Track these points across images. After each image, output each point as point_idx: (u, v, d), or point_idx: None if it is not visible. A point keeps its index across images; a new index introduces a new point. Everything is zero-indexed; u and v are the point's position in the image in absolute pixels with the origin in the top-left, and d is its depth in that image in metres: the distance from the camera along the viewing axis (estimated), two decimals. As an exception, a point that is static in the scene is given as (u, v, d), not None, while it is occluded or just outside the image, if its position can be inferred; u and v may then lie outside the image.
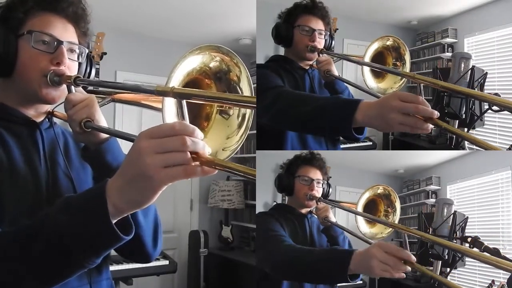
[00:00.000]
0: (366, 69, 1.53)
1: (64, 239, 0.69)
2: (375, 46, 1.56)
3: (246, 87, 0.79)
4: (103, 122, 0.95)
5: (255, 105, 0.71)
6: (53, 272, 0.74)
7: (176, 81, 0.73)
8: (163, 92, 0.70)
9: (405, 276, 1.08)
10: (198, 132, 0.66)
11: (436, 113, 0.93)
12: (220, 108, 0.81)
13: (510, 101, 0.91)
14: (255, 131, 1.52)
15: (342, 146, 1.86)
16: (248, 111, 0.80)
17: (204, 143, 0.66)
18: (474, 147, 3.41)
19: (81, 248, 0.70)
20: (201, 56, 0.76)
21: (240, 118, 0.81)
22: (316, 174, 1.71)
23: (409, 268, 1.06)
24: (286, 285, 1.51)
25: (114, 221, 0.69)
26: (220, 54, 0.77)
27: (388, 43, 1.57)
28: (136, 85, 0.81)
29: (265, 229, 1.56)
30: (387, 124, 0.97)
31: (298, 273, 1.33)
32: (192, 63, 0.76)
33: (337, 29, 3.61)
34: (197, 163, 0.65)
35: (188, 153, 0.64)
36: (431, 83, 1.07)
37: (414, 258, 1.04)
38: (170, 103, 0.72)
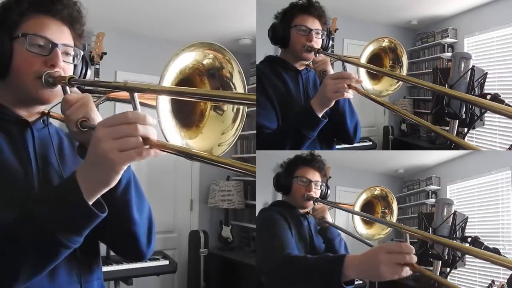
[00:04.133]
0: (362, 71, 1.51)
1: (48, 228, 0.79)
2: (370, 48, 1.53)
3: (239, 83, 0.82)
4: (99, 120, 0.95)
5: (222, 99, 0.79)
6: (43, 258, 0.82)
7: (169, 79, 0.74)
8: (118, 87, 0.81)
9: (411, 272, 1.09)
10: (149, 119, 0.76)
11: (415, 258, 1.06)
12: (214, 105, 0.83)
13: (504, 107, 0.90)
14: (255, 131, 1.52)
15: (341, 146, 1.85)
16: (241, 107, 0.83)
17: (154, 129, 0.76)
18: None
19: (64, 232, 0.79)
20: (193, 53, 0.77)
21: (234, 112, 0.83)
22: (315, 176, 1.70)
23: (415, 259, 1.07)
24: None
25: (90, 203, 0.80)
26: (212, 51, 0.79)
27: (384, 44, 1.55)
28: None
29: (269, 230, 1.54)
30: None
31: (292, 285, 1.33)
32: (185, 60, 0.77)
33: (337, 29, 3.61)
34: (147, 146, 0.75)
35: (140, 138, 0.74)
36: (426, 87, 1.08)
37: (413, 248, 1.07)
38: (164, 101, 0.76)
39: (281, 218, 1.58)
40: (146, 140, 0.75)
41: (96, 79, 3.08)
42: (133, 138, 0.74)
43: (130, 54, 3.77)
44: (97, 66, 3.37)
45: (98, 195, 0.81)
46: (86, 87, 1.01)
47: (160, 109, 0.74)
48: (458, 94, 1.09)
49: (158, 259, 3.38)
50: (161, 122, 0.74)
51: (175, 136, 0.77)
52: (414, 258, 1.07)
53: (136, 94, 0.78)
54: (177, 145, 0.76)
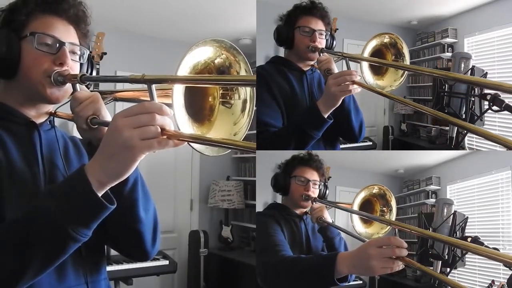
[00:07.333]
0: (365, 67, 1.52)
1: (57, 221, 0.78)
2: (373, 43, 1.54)
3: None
4: (108, 118, 0.95)
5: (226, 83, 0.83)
6: (51, 252, 0.82)
7: (182, 73, 0.76)
8: (136, 80, 0.80)
9: (403, 266, 1.10)
10: (166, 109, 0.77)
11: (405, 252, 1.08)
12: (222, 100, 0.86)
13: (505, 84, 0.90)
14: (255, 131, 1.52)
15: (341, 146, 1.85)
16: (248, 95, 0.86)
17: (170, 120, 0.77)
18: (474, 147, 3.42)
19: (73, 224, 0.79)
20: (206, 50, 0.80)
21: (241, 104, 0.86)
22: (313, 175, 1.71)
23: (405, 252, 1.07)
24: None
25: (99, 195, 0.79)
26: (223, 50, 0.82)
27: (386, 40, 1.56)
28: (123, 77, 0.86)
29: (264, 234, 1.56)
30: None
31: (288, 285, 1.34)
32: (198, 57, 0.79)
33: (337, 29, 3.61)
34: (165, 136, 0.76)
35: (158, 127, 0.75)
36: (433, 74, 1.10)
37: (405, 244, 1.09)
38: (178, 96, 0.77)
39: (274, 221, 1.59)
40: (163, 130, 0.76)
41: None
42: (152, 127, 0.75)
43: (130, 54, 3.77)
44: (97, 66, 3.37)
45: (107, 188, 0.80)
46: (91, 88, 1.02)
47: (175, 105, 0.76)
48: (460, 76, 1.10)
49: (158, 259, 3.38)
50: (176, 116, 0.76)
51: (189, 131, 0.79)
52: (404, 252, 1.07)
53: (153, 86, 0.79)
54: (191, 133, 0.78)
